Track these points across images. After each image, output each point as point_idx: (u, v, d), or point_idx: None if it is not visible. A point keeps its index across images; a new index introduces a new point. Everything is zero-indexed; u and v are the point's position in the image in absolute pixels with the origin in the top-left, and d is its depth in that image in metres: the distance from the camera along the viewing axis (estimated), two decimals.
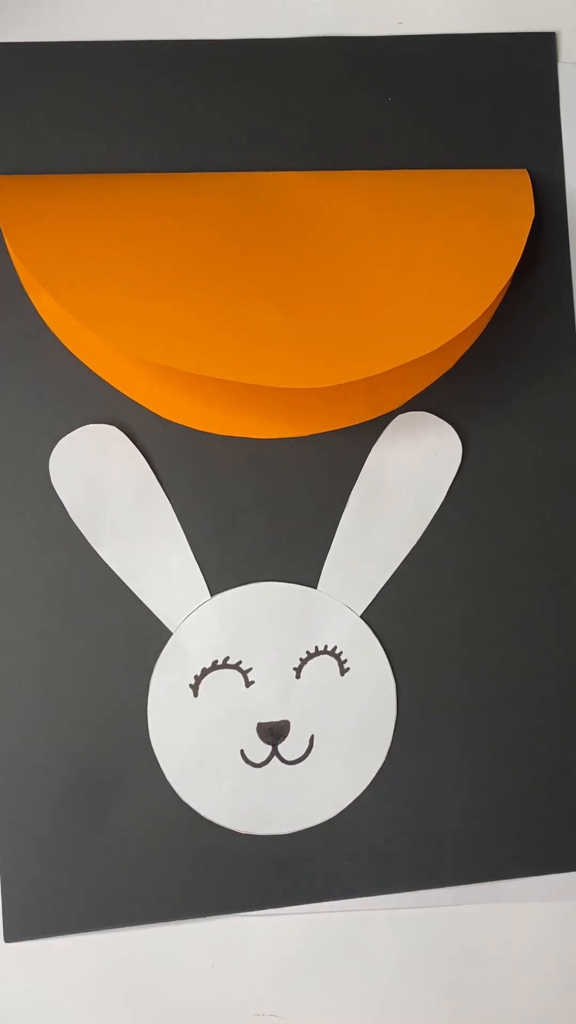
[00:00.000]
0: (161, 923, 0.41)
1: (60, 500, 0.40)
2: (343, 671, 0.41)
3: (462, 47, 0.42)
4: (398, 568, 0.42)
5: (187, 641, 0.41)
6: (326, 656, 0.41)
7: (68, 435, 0.40)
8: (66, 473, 0.40)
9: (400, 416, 0.41)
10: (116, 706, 0.40)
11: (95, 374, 0.40)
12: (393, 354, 0.36)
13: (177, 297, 0.36)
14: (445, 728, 0.42)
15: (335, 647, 0.41)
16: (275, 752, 0.41)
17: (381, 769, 0.41)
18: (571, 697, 0.42)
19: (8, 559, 0.40)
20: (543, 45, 0.43)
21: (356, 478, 0.41)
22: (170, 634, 0.41)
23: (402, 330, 0.36)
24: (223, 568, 0.41)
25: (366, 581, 0.41)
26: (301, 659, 0.41)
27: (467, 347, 0.41)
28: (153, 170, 0.41)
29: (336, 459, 0.41)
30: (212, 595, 0.41)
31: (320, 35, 0.42)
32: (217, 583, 0.41)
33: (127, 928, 0.40)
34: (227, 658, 0.41)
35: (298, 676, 0.41)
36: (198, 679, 0.41)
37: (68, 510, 0.40)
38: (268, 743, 0.41)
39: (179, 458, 0.41)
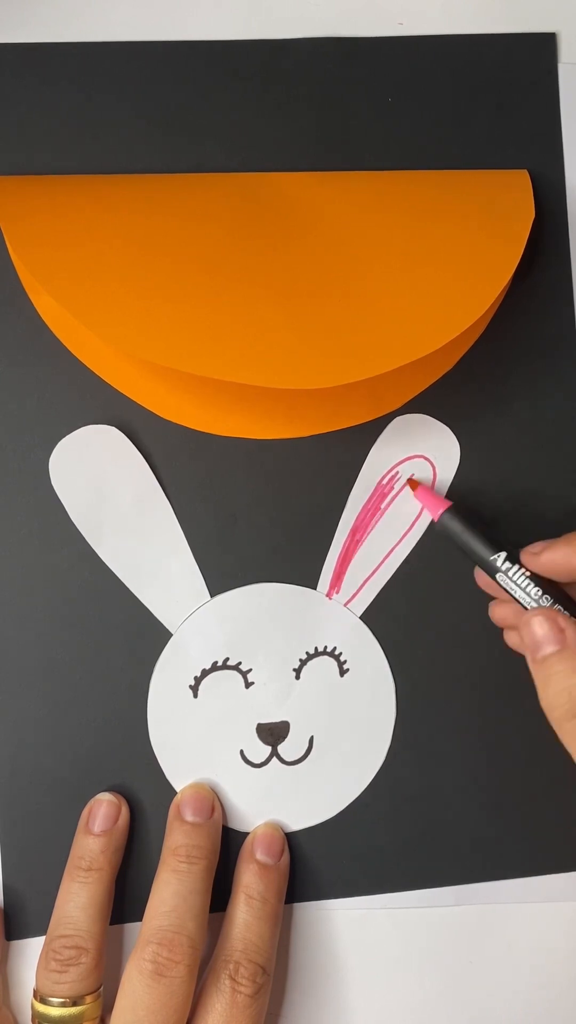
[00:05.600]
0: None
1: (60, 500, 0.40)
2: (343, 672, 0.42)
3: (462, 47, 0.42)
4: (398, 568, 0.42)
5: (187, 642, 0.41)
6: (326, 657, 0.41)
7: (68, 435, 0.40)
8: (66, 473, 0.40)
9: (399, 418, 0.41)
10: (116, 706, 0.40)
11: (95, 374, 0.40)
12: (393, 355, 0.35)
13: (177, 298, 0.36)
14: (445, 728, 0.42)
15: (335, 648, 0.41)
16: (275, 753, 0.41)
17: (381, 769, 0.42)
18: None
19: (8, 559, 0.40)
20: (543, 45, 0.43)
21: (356, 478, 0.41)
22: (170, 635, 0.41)
23: (402, 331, 0.36)
24: (223, 569, 0.41)
25: (366, 582, 0.41)
26: (301, 660, 0.41)
27: (467, 348, 0.41)
28: (153, 170, 0.41)
29: (336, 459, 0.41)
30: (212, 596, 0.41)
31: (320, 35, 0.42)
32: (217, 584, 0.41)
33: (126, 925, 0.40)
34: (227, 659, 0.41)
35: (298, 677, 0.41)
36: (198, 680, 0.41)
37: (68, 510, 0.40)
38: (268, 744, 0.41)
39: (179, 458, 0.41)
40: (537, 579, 0.38)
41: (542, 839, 0.42)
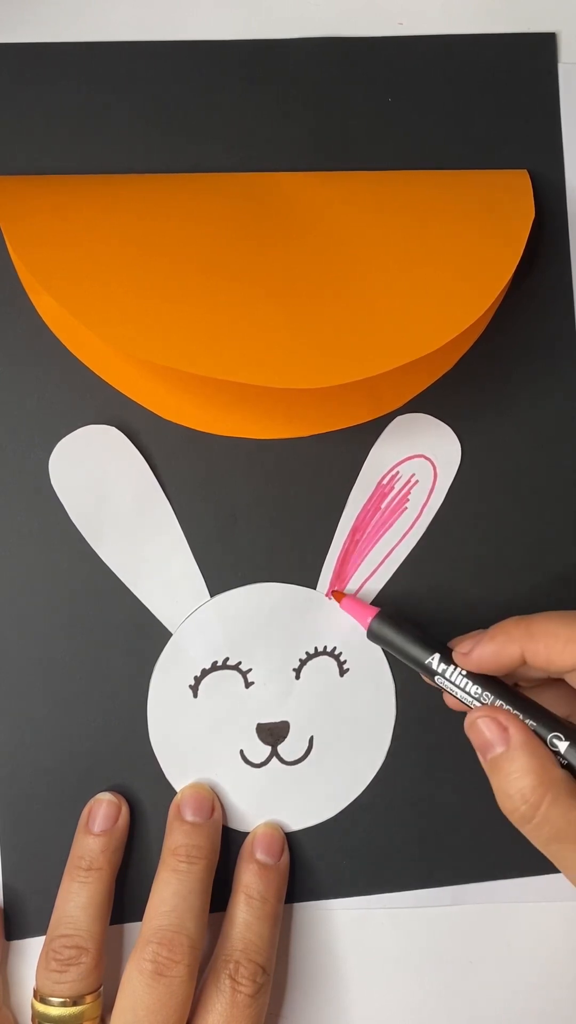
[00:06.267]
0: None
1: (60, 500, 0.40)
2: (343, 672, 0.42)
3: (462, 47, 0.42)
4: (398, 568, 0.42)
5: (187, 642, 0.41)
6: (326, 657, 0.41)
7: (68, 435, 0.40)
8: (66, 474, 0.40)
9: (399, 418, 0.41)
10: (116, 706, 0.40)
11: (95, 374, 0.40)
12: (393, 355, 0.35)
13: (177, 298, 0.36)
14: (445, 728, 0.42)
15: (334, 648, 0.41)
16: (275, 753, 0.41)
17: (381, 769, 0.42)
18: None
19: (8, 559, 0.40)
20: (543, 45, 0.43)
21: (356, 478, 0.41)
22: (170, 635, 0.41)
23: (402, 331, 0.36)
24: (223, 569, 0.41)
25: (366, 582, 0.41)
26: (301, 660, 0.41)
27: (467, 348, 0.41)
28: (153, 170, 0.41)
29: (336, 459, 0.41)
30: (212, 596, 0.41)
31: (320, 35, 0.42)
32: (217, 584, 0.41)
33: (126, 924, 0.40)
34: (227, 659, 0.41)
35: (298, 677, 0.41)
36: (198, 680, 0.41)
37: (68, 511, 0.40)
38: (268, 744, 0.41)
39: (179, 458, 0.41)
40: (474, 675, 0.37)
41: None
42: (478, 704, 0.37)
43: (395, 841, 0.41)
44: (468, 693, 0.37)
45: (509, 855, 0.42)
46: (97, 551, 0.40)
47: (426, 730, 0.42)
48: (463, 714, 0.42)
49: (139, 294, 0.36)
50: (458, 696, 0.38)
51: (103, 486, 0.40)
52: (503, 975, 0.42)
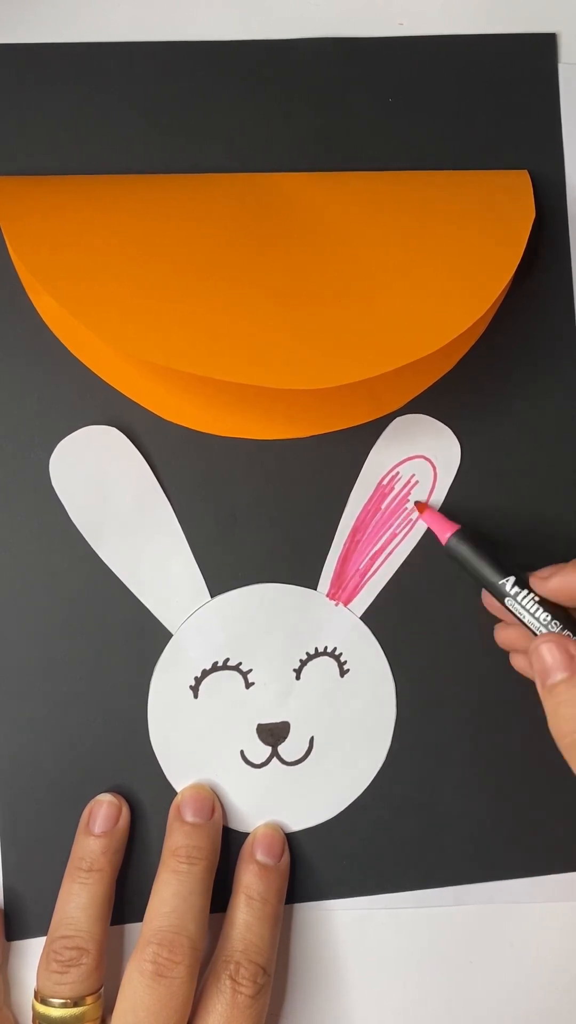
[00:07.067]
0: None
1: (60, 500, 0.40)
2: (343, 672, 0.42)
3: (462, 48, 0.42)
4: (398, 568, 0.42)
5: (187, 642, 0.41)
6: (326, 657, 0.41)
7: (68, 436, 0.40)
8: (66, 474, 0.40)
9: (399, 418, 0.41)
10: (116, 707, 0.40)
11: (95, 374, 0.40)
12: (394, 356, 0.35)
13: (177, 298, 0.36)
14: (445, 728, 0.42)
15: (335, 648, 0.41)
16: (275, 753, 0.41)
17: (381, 769, 0.42)
18: None
19: (8, 559, 0.40)
20: (543, 46, 0.43)
21: (356, 478, 0.41)
22: (170, 635, 0.41)
23: (403, 331, 0.36)
24: (223, 569, 0.41)
25: (366, 582, 0.41)
26: (301, 660, 0.41)
27: (467, 348, 0.41)
28: (153, 170, 0.41)
29: (336, 459, 0.41)
30: (212, 596, 0.41)
31: (320, 35, 0.42)
32: (217, 584, 0.41)
33: (127, 925, 0.40)
34: (227, 659, 0.41)
35: (298, 677, 0.41)
36: (198, 680, 0.41)
37: (68, 511, 0.40)
38: (268, 744, 0.41)
39: (179, 458, 0.41)
40: (546, 604, 0.38)
41: (542, 839, 0.42)
42: (544, 631, 0.37)
43: (396, 841, 0.41)
44: (536, 619, 0.37)
45: (510, 855, 0.42)
46: (97, 551, 0.40)
47: (426, 730, 0.42)
48: (464, 712, 0.42)
49: (139, 294, 0.36)
50: (525, 621, 0.38)
51: (103, 486, 0.40)
52: (503, 975, 0.42)
